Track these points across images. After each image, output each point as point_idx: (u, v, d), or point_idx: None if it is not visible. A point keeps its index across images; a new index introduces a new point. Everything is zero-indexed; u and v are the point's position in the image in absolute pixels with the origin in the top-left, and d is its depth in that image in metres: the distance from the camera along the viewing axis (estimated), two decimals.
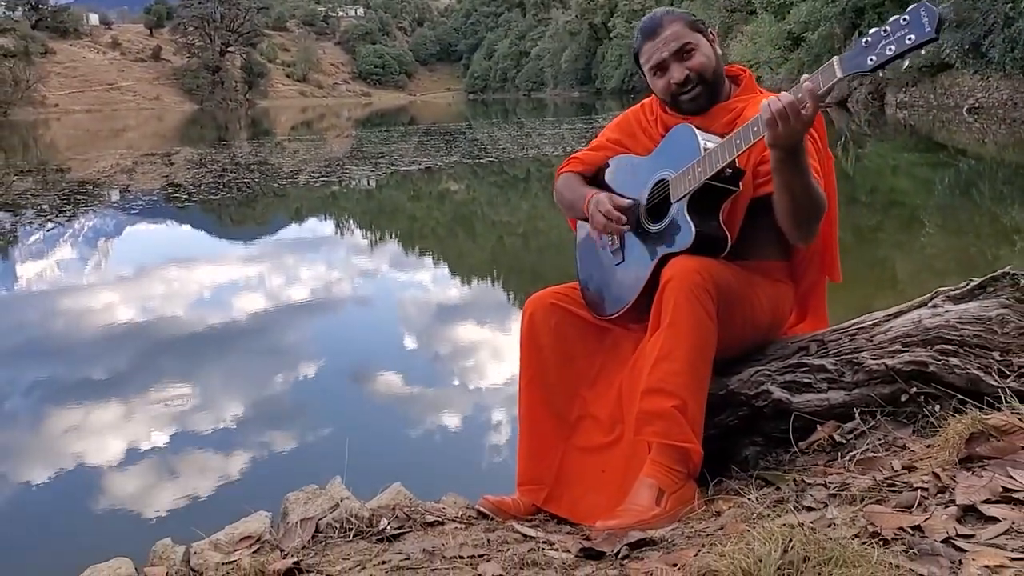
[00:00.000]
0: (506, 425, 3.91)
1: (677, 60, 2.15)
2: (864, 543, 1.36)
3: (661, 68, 2.17)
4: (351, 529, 1.96)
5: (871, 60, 1.70)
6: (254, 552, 1.96)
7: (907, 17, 1.66)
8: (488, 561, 1.67)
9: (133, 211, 12.60)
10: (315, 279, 8.03)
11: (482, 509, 2.14)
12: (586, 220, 2.31)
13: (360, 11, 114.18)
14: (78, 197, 13.74)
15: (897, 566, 1.29)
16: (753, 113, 2.03)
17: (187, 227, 11.71)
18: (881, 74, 1.75)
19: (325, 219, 12.13)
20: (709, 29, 2.22)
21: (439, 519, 2.04)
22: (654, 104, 2.32)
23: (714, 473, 2.07)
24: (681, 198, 2.04)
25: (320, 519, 1.99)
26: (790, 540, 1.32)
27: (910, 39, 1.65)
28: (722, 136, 2.06)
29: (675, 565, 1.52)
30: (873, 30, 1.71)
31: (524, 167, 17.25)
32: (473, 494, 2.32)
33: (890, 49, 1.67)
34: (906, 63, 1.67)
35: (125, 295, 7.49)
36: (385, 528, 1.95)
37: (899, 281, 7.03)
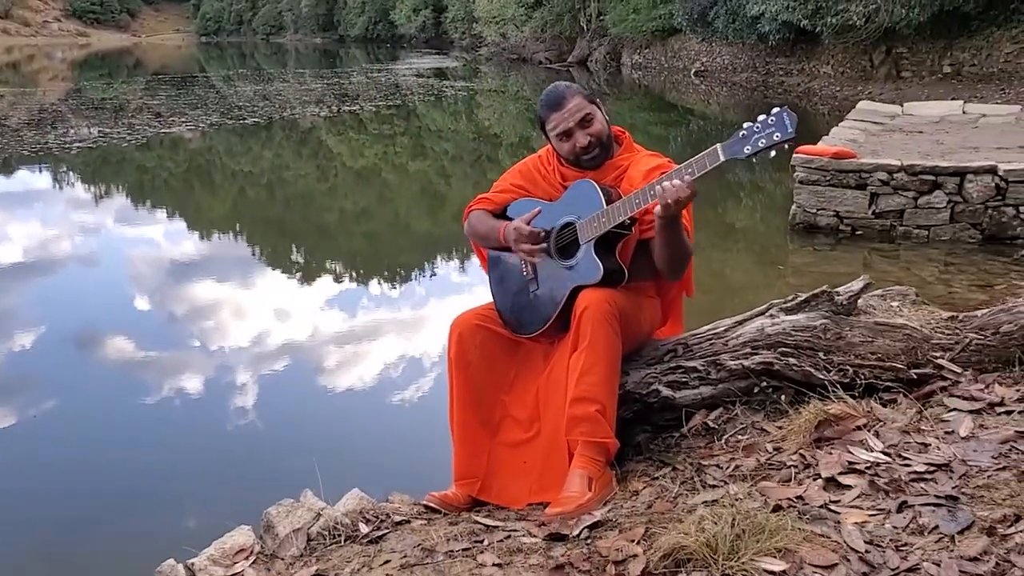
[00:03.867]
0: (417, 419, 4.35)
1: (580, 128, 2.61)
2: (775, 513, 1.93)
3: (567, 135, 2.63)
4: (340, 535, 2.30)
5: (747, 149, 2.25)
6: (252, 563, 2.25)
7: (772, 118, 2.22)
8: (482, 552, 2.09)
9: None
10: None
11: (430, 504, 2.54)
12: (501, 249, 2.75)
13: None
14: None
15: (802, 529, 1.87)
16: (635, 170, 2.60)
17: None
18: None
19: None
20: (597, 100, 2.70)
21: (405, 518, 2.42)
22: (551, 156, 2.77)
23: (616, 457, 2.61)
24: (589, 240, 2.53)
25: (309, 528, 2.31)
26: (733, 518, 1.86)
27: (777, 136, 2.21)
28: (613, 188, 2.58)
29: (633, 541, 2.02)
30: (747, 124, 2.26)
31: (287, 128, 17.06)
32: (404, 489, 2.73)
33: (761, 142, 2.23)
34: (773, 152, 2.24)
35: None
36: (369, 532, 2.31)
37: None
